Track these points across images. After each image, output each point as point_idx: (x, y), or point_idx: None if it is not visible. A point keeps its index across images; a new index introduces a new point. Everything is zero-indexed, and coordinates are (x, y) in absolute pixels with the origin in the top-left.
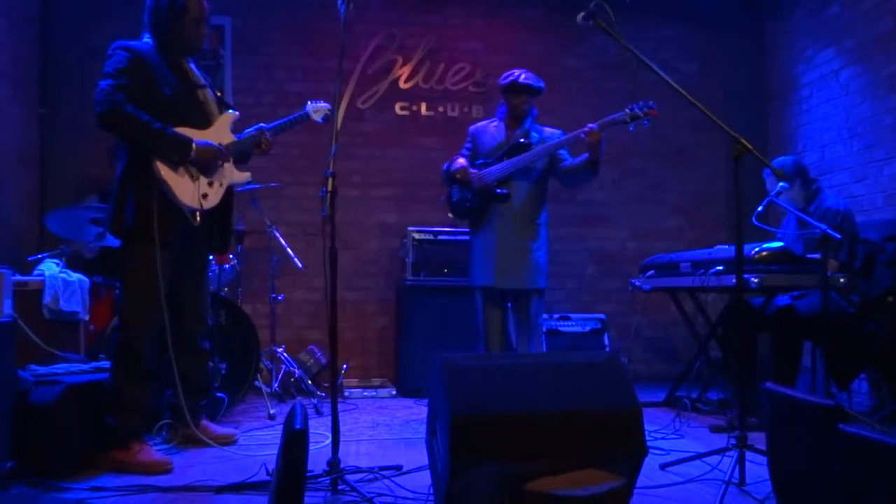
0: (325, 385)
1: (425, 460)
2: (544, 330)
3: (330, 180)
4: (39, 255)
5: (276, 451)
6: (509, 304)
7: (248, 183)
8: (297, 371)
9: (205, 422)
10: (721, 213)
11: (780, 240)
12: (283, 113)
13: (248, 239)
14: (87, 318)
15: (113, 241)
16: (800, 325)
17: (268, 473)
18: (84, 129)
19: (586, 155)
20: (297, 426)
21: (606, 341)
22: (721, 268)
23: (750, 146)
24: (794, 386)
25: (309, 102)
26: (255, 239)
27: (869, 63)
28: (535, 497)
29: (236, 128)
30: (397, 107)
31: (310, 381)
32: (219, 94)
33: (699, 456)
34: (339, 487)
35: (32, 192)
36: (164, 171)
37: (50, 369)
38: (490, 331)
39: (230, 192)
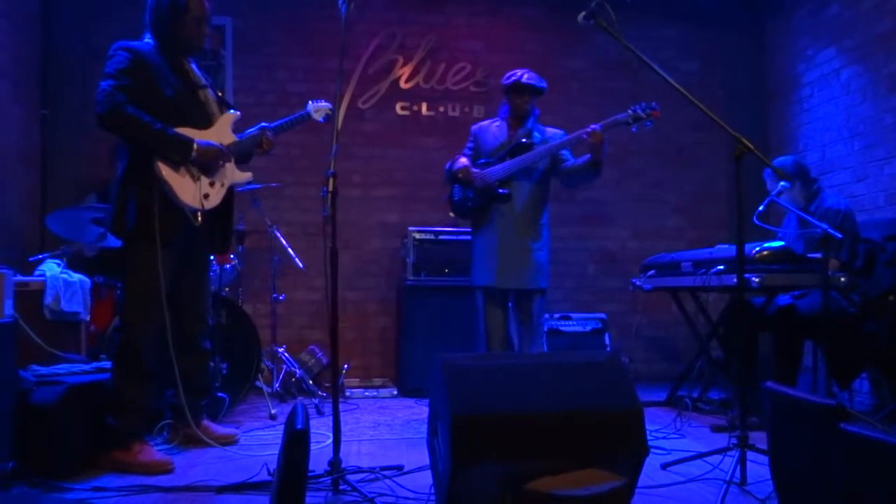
0: (327, 385)
1: (426, 460)
2: (545, 329)
3: (331, 180)
4: (40, 256)
5: (277, 451)
6: (510, 305)
7: (249, 183)
8: (298, 371)
9: (206, 422)
10: (721, 212)
11: (780, 239)
12: (284, 113)
13: (249, 239)
14: (88, 318)
15: (114, 242)
16: (801, 325)
17: (269, 473)
18: (85, 130)
19: (588, 156)
20: (299, 426)
21: (607, 341)
22: (722, 267)
23: (751, 146)
24: (795, 385)
25: (310, 102)
26: (256, 239)
27: (869, 62)
28: (536, 497)
29: (237, 128)
30: (398, 107)
31: (311, 381)
32: (220, 94)
33: (700, 455)
34: (341, 487)
35: (33, 193)
36: (166, 171)
37: (51, 370)
38: (491, 331)
39: (231, 192)
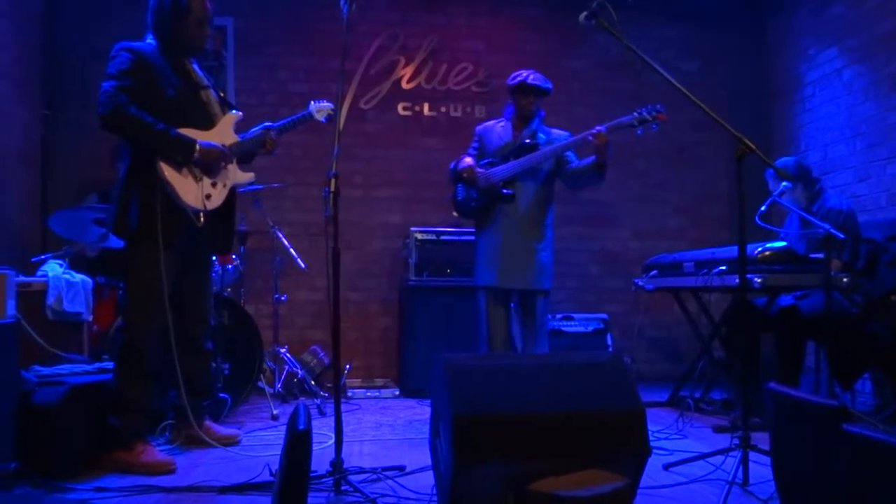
0: (328, 385)
1: (428, 461)
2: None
3: (333, 181)
4: (43, 256)
5: (279, 452)
6: (513, 305)
7: (252, 183)
8: (300, 371)
9: (208, 422)
10: (723, 212)
11: (783, 240)
12: (285, 113)
13: (251, 239)
14: (90, 318)
15: (116, 242)
16: (803, 325)
17: (271, 474)
18: (87, 130)
19: (593, 157)
20: (301, 427)
21: (609, 341)
22: (724, 268)
23: (753, 146)
24: (797, 386)
25: (312, 102)
26: (257, 239)
27: (871, 62)
28: (538, 497)
29: (239, 128)
30: (400, 107)
31: (313, 382)
32: (222, 94)
33: (703, 456)
34: (343, 488)
35: (35, 193)
36: (168, 172)
37: (53, 370)
38: (493, 331)
39: (233, 192)
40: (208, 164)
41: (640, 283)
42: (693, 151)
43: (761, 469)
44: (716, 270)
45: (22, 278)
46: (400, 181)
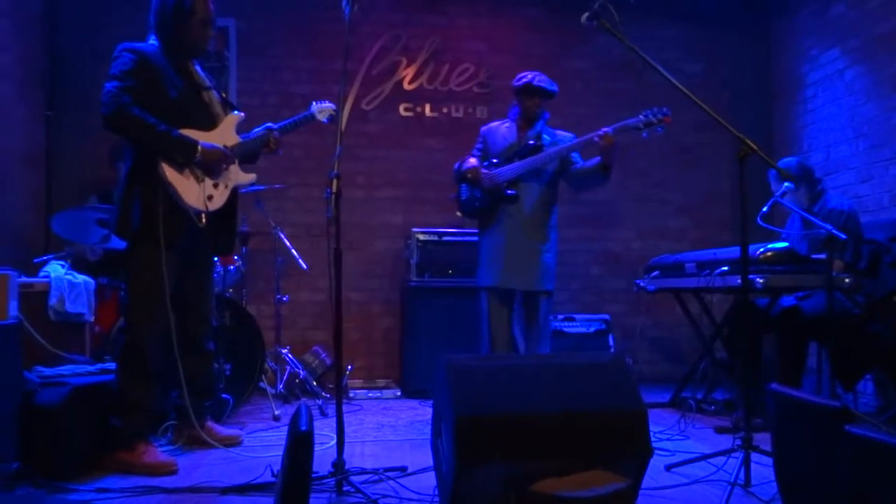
0: (330, 386)
1: (430, 461)
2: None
3: (334, 181)
4: (45, 257)
5: (281, 453)
6: (515, 306)
7: (253, 184)
8: (301, 372)
9: (210, 423)
10: (725, 213)
11: (784, 240)
12: (287, 114)
13: (253, 240)
14: (92, 319)
15: (117, 243)
16: (805, 326)
17: (273, 475)
18: (89, 131)
19: (598, 158)
20: (302, 427)
21: (611, 342)
22: (726, 268)
23: (755, 147)
24: (799, 387)
25: (314, 103)
26: (259, 240)
27: (874, 62)
28: (540, 498)
29: (241, 129)
30: (401, 108)
31: (314, 383)
32: (223, 95)
33: (705, 457)
34: (344, 489)
35: (38, 194)
36: (170, 173)
37: (56, 371)
38: (495, 332)
39: (235, 193)
40: (210, 165)
41: (641, 283)
42: (695, 152)
43: (763, 470)
44: (718, 271)
45: (24, 279)
46: (401, 182)
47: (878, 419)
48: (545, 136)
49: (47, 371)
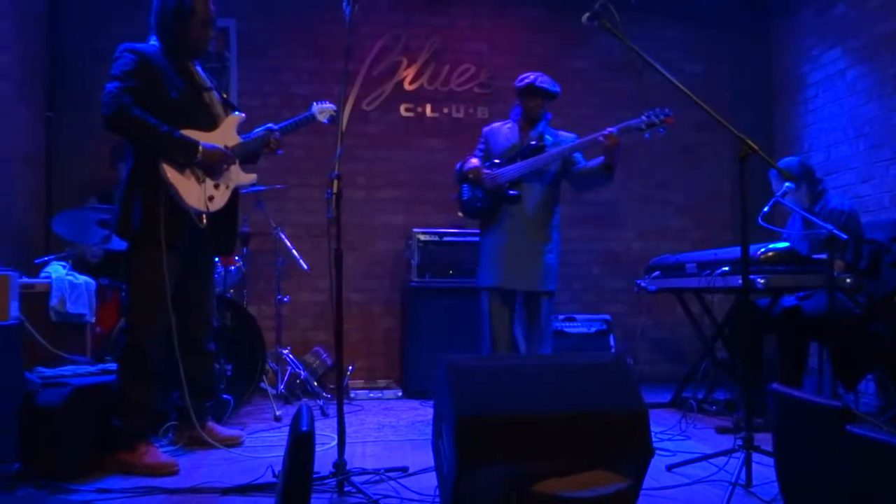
0: (331, 386)
1: (431, 462)
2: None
3: (335, 182)
4: (46, 258)
5: (282, 453)
6: (517, 306)
7: (254, 185)
8: (302, 372)
9: (211, 423)
10: (726, 213)
11: (785, 240)
12: (288, 115)
13: (254, 241)
14: (93, 320)
15: (118, 244)
16: (806, 326)
17: (274, 475)
18: (90, 132)
19: (601, 158)
20: (303, 428)
21: (612, 342)
22: (727, 268)
23: (756, 147)
24: (800, 387)
25: (314, 104)
26: (260, 241)
27: (875, 62)
28: (541, 498)
29: (242, 130)
30: (402, 108)
31: (315, 383)
32: (224, 95)
33: (706, 457)
34: (345, 489)
35: (39, 195)
36: (171, 173)
37: (57, 371)
38: (496, 333)
39: (236, 194)
40: (210, 165)
41: (642, 283)
42: (696, 152)
43: (764, 470)
44: (719, 271)
45: (25, 280)
46: (402, 182)
47: (879, 419)
48: (547, 136)
49: (48, 372)
